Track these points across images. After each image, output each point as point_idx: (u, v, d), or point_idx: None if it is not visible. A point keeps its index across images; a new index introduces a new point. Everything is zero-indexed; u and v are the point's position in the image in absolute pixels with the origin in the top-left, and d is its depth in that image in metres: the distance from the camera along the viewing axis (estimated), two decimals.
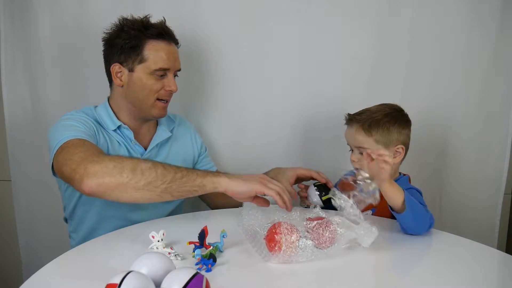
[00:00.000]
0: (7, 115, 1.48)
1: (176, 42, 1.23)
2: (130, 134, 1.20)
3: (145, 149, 1.23)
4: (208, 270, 0.80)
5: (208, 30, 1.46)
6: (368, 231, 0.89)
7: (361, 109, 1.20)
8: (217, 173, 1.02)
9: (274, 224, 0.86)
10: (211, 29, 1.46)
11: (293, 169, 1.24)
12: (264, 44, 1.48)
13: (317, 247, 0.86)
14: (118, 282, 0.60)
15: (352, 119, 1.18)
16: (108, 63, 1.20)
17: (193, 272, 0.63)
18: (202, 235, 0.88)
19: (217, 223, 1.01)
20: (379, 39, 1.49)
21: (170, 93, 1.21)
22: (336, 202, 0.94)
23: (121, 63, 1.17)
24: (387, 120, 1.14)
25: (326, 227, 0.87)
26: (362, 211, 0.92)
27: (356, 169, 1.11)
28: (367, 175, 0.98)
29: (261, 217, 0.94)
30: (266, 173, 1.26)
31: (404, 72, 1.50)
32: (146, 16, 1.20)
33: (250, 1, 1.46)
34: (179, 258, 0.85)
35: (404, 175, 1.21)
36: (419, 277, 0.83)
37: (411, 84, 1.51)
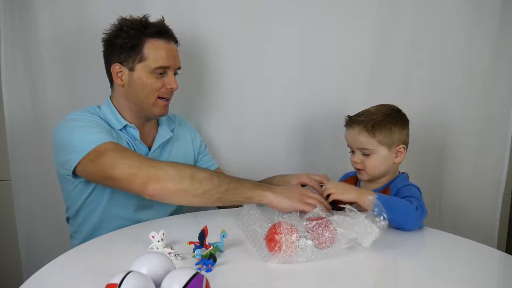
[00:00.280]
0: (7, 115, 1.48)
1: (175, 40, 1.23)
2: (136, 133, 1.20)
3: (149, 149, 1.23)
4: (208, 270, 0.80)
5: (208, 30, 1.46)
6: (368, 230, 0.89)
7: (359, 111, 1.20)
8: (263, 186, 1.07)
9: (274, 224, 0.86)
10: (210, 29, 1.46)
11: (297, 177, 1.25)
12: (264, 44, 1.48)
13: (317, 247, 0.86)
14: (118, 282, 0.60)
15: (353, 120, 1.17)
16: (108, 64, 1.20)
17: (193, 272, 0.63)
18: (202, 235, 0.88)
19: (217, 223, 1.02)
20: (379, 39, 1.49)
21: (171, 91, 1.21)
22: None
23: (121, 63, 1.17)
24: (389, 120, 1.15)
25: (326, 227, 0.87)
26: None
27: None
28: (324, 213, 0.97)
29: (261, 217, 0.94)
30: (269, 180, 1.28)
31: (404, 72, 1.50)
32: (145, 16, 1.20)
33: (250, 1, 1.46)
34: (179, 258, 0.85)
35: (403, 173, 1.21)
36: (419, 277, 0.83)
37: (411, 84, 1.51)
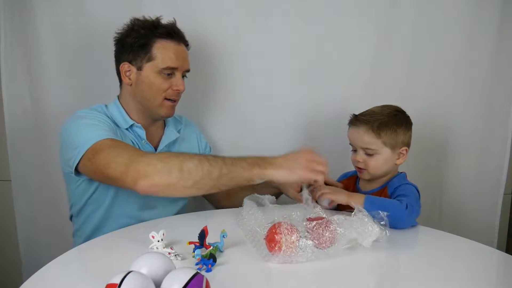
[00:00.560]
0: (7, 115, 1.48)
1: (186, 43, 1.24)
2: (142, 133, 1.21)
3: (155, 149, 1.23)
4: (208, 270, 0.80)
5: (208, 30, 1.46)
6: (369, 230, 0.89)
7: (364, 110, 1.20)
8: (263, 162, 1.00)
9: (274, 224, 0.86)
10: (210, 29, 1.46)
11: None
12: (264, 44, 1.48)
13: (317, 247, 0.86)
14: (118, 282, 0.60)
15: (359, 119, 1.17)
16: (118, 62, 1.21)
17: (193, 272, 0.63)
18: (202, 235, 0.88)
19: (217, 223, 1.01)
20: (379, 39, 1.49)
21: (178, 92, 1.21)
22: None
23: (130, 62, 1.18)
24: (395, 122, 1.15)
25: (326, 227, 0.87)
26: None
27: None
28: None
29: (261, 217, 0.95)
30: None
31: (404, 72, 1.50)
32: (157, 17, 1.21)
33: (250, 1, 1.46)
34: (179, 258, 0.85)
35: (401, 172, 1.21)
36: (419, 277, 0.83)
37: (411, 84, 1.51)
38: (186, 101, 1.46)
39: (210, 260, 0.81)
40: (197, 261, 0.82)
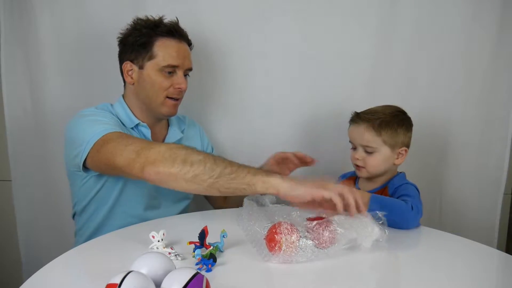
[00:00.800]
0: (7, 115, 1.48)
1: (188, 42, 1.24)
2: (147, 132, 1.21)
3: None
4: (208, 270, 0.80)
5: (208, 30, 1.46)
6: (369, 230, 0.89)
7: (366, 109, 1.20)
8: (270, 172, 0.96)
9: (274, 224, 0.86)
10: (210, 29, 1.46)
11: (271, 157, 1.27)
12: (264, 44, 1.48)
13: (317, 247, 0.86)
14: (118, 282, 0.60)
15: (360, 117, 1.18)
16: (121, 62, 1.22)
17: (193, 272, 0.63)
18: (202, 235, 0.88)
19: (217, 223, 1.01)
20: (379, 39, 1.49)
21: (180, 91, 1.21)
22: None
23: (132, 61, 1.18)
24: (396, 122, 1.15)
25: (326, 227, 0.87)
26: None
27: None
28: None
29: (261, 217, 0.95)
30: None
31: (404, 72, 1.50)
32: (160, 17, 1.21)
33: (250, 1, 1.46)
34: (179, 258, 0.85)
35: (400, 172, 1.22)
36: (419, 277, 0.83)
37: (411, 84, 1.51)
38: (186, 101, 1.46)
39: (210, 260, 0.81)
40: (197, 261, 0.82)
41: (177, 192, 1.23)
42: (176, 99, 1.22)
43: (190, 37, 1.27)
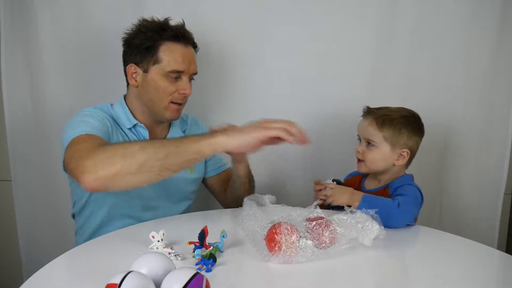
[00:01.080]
0: (7, 115, 1.48)
1: (194, 45, 1.22)
2: (145, 133, 1.20)
3: None
4: (208, 270, 0.80)
5: (208, 30, 1.46)
6: (368, 227, 0.89)
7: (381, 106, 1.21)
8: (212, 133, 0.94)
9: (274, 224, 0.86)
10: (211, 30, 1.46)
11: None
12: (263, 44, 1.48)
13: (317, 247, 0.85)
14: (118, 282, 0.60)
15: (369, 111, 1.19)
16: (125, 63, 1.20)
17: (193, 272, 0.63)
18: (202, 235, 0.88)
19: (217, 223, 1.02)
20: (379, 39, 1.49)
21: (184, 96, 1.20)
22: None
23: (136, 64, 1.17)
24: (402, 121, 1.15)
25: (326, 227, 0.87)
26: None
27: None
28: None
29: (261, 217, 0.94)
30: None
31: (404, 72, 1.51)
32: (166, 18, 1.20)
33: (250, 1, 1.46)
34: (179, 258, 0.85)
35: (407, 174, 1.21)
36: (419, 277, 0.83)
37: (411, 84, 1.51)
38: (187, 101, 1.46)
39: (210, 260, 0.81)
40: (197, 261, 0.82)
41: (176, 192, 1.24)
42: (180, 104, 1.21)
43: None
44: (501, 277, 0.90)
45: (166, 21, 1.19)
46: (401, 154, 1.17)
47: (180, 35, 1.17)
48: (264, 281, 0.81)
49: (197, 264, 0.81)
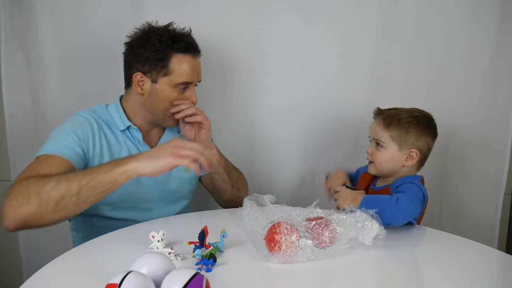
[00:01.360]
0: (7, 115, 1.48)
1: (200, 53, 1.21)
2: (139, 135, 1.20)
3: None
4: (208, 270, 0.80)
5: (207, 30, 1.45)
6: (368, 226, 0.89)
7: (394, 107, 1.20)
8: (125, 159, 0.95)
9: (274, 224, 0.86)
10: (210, 30, 1.45)
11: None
12: (264, 44, 1.48)
13: (317, 247, 0.86)
14: (118, 282, 0.60)
15: (378, 112, 1.18)
16: (129, 69, 1.18)
17: (193, 272, 0.63)
18: (202, 235, 0.88)
19: (217, 223, 1.01)
20: (379, 39, 1.49)
21: None
22: None
23: (144, 73, 1.15)
24: (410, 121, 1.13)
25: (326, 227, 0.87)
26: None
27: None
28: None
29: (261, 217, 0.94)
30: None
31: (404, 72, 1.50)
32: (171, 25, 1.18)
33: (250, 1, 1.46)
34: (179, 258, 0.85)
35: (416, 175, 1.18)
36: (419, 277, 0.83)
37: (411, 84, 1.51)
38: None
39: (210, 260, 0.81)
40: (197, 261, 0.82)
41: (171, 193, 1.23)
42: None
43: None
44: (501, 277, 0.90)
45: (173, 29, 1.17)
46: (409, 154, 1.14)
47: (192, 47, 1.16)
48: (264, 281, 0.81)
49: (197, 264, 0.81)
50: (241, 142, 1.54)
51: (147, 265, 0.67)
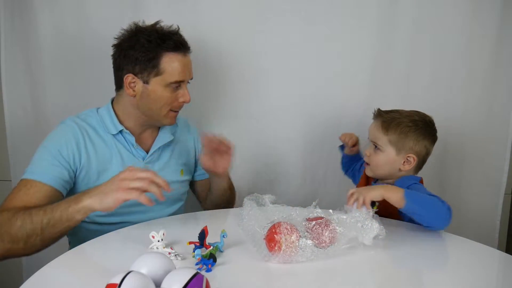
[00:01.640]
0: (7, 115, 1.48)
1: (189, 50, 1.20)
2: (131, 139, 1.19)
3: (147, 152, 1.22)
4: (208, 270, 0.80)
5: (207, 30, 1.46)
6: (368, 226, 0.89)
7: (394, 109, 1.19)
8: (79, 196, 0.96)
9: (274, 224, 0.86)
10: (210, 30, 1.46)
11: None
12: (264, 44, 1.48)
13: (317, 247, 0.86)
14: (118, 282, 0.60)
15: (378, 114, 1.18)
16: (119, 71, 1.17)
17: (193, 272, 0.63)
18: (202, 235, 0.88)
19: (217, 223, 1.02)
20: (379, 39, 1.49)
21: (184, 104, 1.20)
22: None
23: (135, 74, 1.14)
24: (409, 125, 1.12)
25: (326, 227, 0.87)
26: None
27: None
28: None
29: (261, 217, 0.94)
30: None
31: (404, 72, 1.51)
32: (158, 23, 1.17)
33: (250, 1, 1.46)
34: (179, 258, 0.85)
35: (416, 176, 1.18)
36: (419, 277, 0.83)
37: (411, 84, 1.51)
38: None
39: (210, 260, 0.82)
40: (197, 261, 0.82)
41: (167, 196, 1.22)
42: (178, 111, 1.21)
43: (189, 39, 1.25)
44: (501, 277, 0.90)
45: (161, 27, 1.16)
46: (407, 159, 1.13)
47: (181, 45, 1.15)
48: (264, 281, 0.81)
49: (197, 264, 0.82)
50: (241, 142, 1.54)
51: (147, 265, 0.67)
